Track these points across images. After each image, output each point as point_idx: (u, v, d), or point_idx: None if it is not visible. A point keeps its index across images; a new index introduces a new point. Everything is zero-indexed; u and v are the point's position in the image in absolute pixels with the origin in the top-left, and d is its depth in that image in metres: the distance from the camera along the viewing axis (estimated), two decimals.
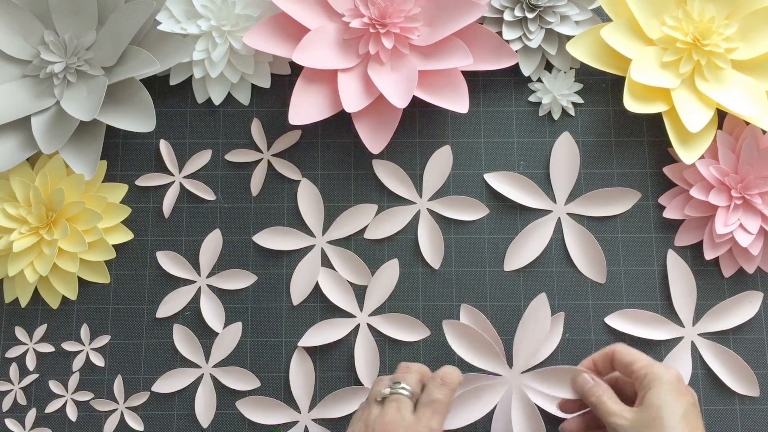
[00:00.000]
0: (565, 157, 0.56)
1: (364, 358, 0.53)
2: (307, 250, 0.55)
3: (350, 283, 0.54)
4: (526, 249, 0.54)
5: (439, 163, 0.56)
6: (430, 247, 0.54)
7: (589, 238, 0.54)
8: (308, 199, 0.55)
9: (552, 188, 0.55)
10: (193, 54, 0.54)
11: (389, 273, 0.54)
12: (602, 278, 0.54)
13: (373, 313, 0.54)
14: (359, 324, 0.53)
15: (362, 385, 0.52)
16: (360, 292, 0.54)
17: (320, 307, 0.54)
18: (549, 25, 0.56)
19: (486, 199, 0.55)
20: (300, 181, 0.56)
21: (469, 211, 0.55)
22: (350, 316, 0.54)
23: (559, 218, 0.55)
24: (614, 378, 0.48)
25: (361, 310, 0.54)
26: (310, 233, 0.55)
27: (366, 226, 0.55)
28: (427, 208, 0.55)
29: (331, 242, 0.55)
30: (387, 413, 0.43)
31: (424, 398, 0.44)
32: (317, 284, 0.54)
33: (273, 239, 0.55)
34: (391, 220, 0.55)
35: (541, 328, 0.50)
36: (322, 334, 0.53)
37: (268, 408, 0.52)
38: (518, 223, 0.55)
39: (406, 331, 0.53)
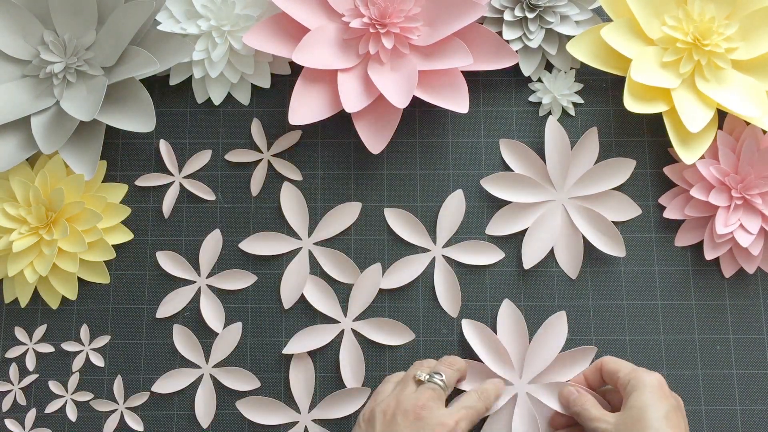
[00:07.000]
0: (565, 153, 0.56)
1: (349, 362, 0.53)
2: (294, 253, 0.55)
3: (341, 283, 0.54)
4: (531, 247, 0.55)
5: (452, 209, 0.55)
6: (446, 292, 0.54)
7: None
8: (291, 201, 0.55)
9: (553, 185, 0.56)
10: (192, 54, 0.54)
11: (373, 276, 0.54)
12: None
13: (357, 318, 0.54)
14: (343, 330, 0.53)
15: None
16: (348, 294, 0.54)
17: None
18: (549, 25, 0.56)
19: (486, 199, 0.56)
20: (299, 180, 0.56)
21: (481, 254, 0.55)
22: (335, 321, 0.54)
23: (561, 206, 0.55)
24: (604, 390, 0.49)
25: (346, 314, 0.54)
26: (297, 236, 0.55)
27: (351, 226, 0.55)
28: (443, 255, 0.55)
29: (317, 243, 0.55)
30: (422, 396, 0.44)
31: (465, 401, 0.46)
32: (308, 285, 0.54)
33: (259, 244, 0.55)
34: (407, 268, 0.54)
35: (556, 344, 0.52)
36: (310, 339, 0.53)
37: (268, 408, 0.52)
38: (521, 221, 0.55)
39: (392, 334, 0.53)
